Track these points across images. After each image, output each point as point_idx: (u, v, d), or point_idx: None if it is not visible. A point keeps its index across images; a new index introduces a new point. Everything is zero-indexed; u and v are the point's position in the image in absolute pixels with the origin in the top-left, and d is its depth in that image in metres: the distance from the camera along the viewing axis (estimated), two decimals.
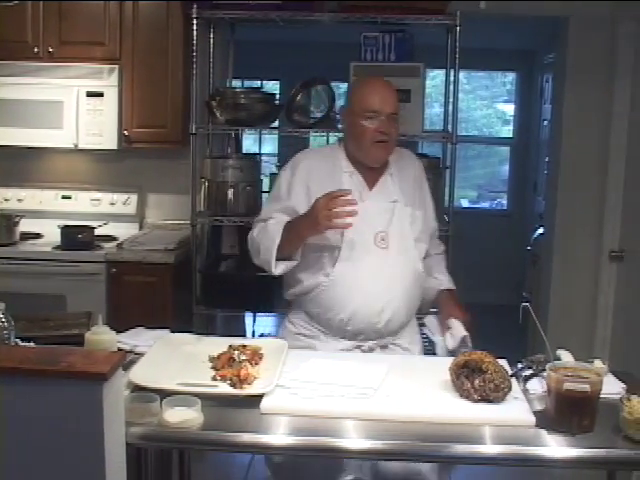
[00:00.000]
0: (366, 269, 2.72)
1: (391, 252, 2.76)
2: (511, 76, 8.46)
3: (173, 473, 2.90)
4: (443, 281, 2.95)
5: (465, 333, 2.68)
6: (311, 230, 2.65)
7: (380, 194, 2.82)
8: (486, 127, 8.77)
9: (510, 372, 2.28)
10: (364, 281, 2.72)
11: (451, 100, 4.15)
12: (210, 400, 2.10)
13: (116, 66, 4.26)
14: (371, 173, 2.83)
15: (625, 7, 4.36)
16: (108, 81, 4.26)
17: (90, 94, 4.26)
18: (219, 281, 4.22)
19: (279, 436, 2.00)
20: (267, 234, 2.75)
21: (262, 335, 4.62)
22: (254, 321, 5.10)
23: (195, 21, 4.07)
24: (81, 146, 4.31)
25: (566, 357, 2.37)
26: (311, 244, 2.72)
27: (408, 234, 2.81)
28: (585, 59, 4.63)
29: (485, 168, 8.71)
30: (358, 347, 2.76)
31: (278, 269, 2.73)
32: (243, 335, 4.78)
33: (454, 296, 2.90)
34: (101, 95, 4.26)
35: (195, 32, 4.08)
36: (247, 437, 1.99)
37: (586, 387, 2.01)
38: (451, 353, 2.63)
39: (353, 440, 1.99)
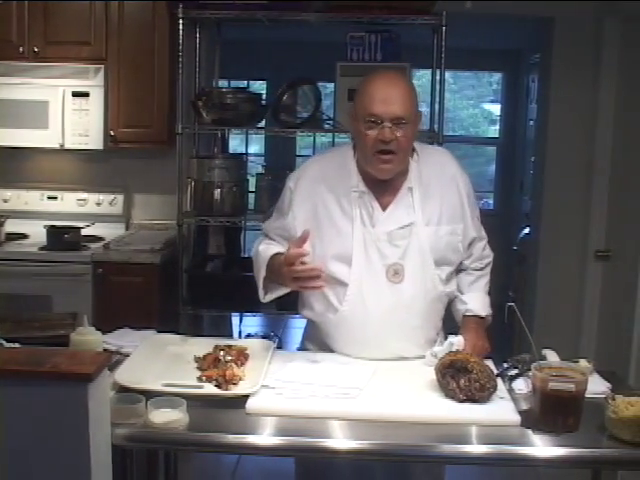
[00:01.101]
0: (377, 309, 2.43)
1: (406, 286, 2.43)
2: (497, 76, 8.49)
3: (159, 474, 2.89)
4: (470, 305, 2.60)
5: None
6: (287, 284, 2.39)
7: (394, 217, 2.45)
8: (472, 127, 8.80)
9: (496, 372, 2.28)
10: (375, 325, 2.43)
11: (437, 100, 4.16)
12: (196, 401, 2.09)
13: (102, 66, 4.25)
14: (386, 188, 2.46)
15: (609, 7, 4.38)
16: (94, 81, 4.25)
17: (76, 94, 4.25)
18: (205, 281, 4.21)
19: (265, 436, 1.99)
20: (258, 260, 2.52)
21: (248, 335, 4.62)
22: (240, 321, 5.10)
23: (181, 21, 4.06)
24: (67, 146, 4.30)
25: (551, 357, 2.37)
26: None
27: (428, 258, 2.45)
28: (570, 59, 4.65)
29: (472, 168, 8.69)
30: None
31: (266, 298, 2.55)
32: (229, 335, 4.78)
33: (478, 326, 2.57)
34: (87, 95, 4.25)
35: (181, 32, 4.08)
36: (233, 438, 1.98)
37: (571, 387, 2.01)
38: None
39: (339, 440, 1.99)
